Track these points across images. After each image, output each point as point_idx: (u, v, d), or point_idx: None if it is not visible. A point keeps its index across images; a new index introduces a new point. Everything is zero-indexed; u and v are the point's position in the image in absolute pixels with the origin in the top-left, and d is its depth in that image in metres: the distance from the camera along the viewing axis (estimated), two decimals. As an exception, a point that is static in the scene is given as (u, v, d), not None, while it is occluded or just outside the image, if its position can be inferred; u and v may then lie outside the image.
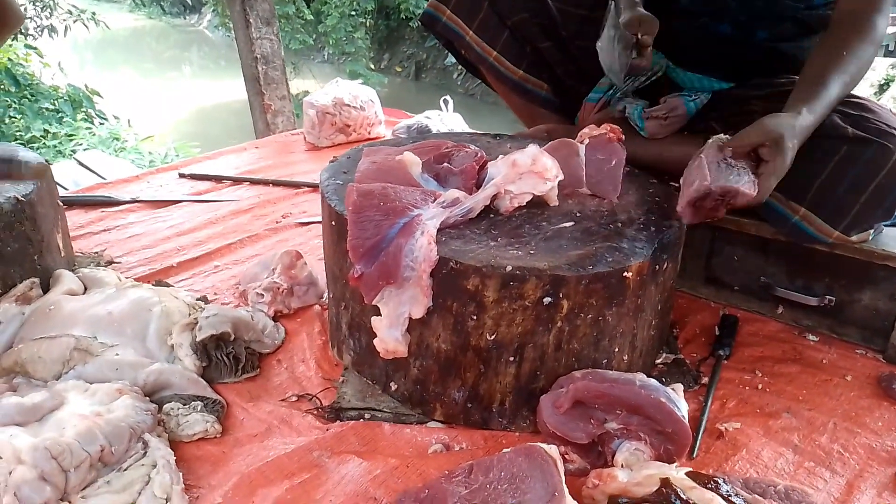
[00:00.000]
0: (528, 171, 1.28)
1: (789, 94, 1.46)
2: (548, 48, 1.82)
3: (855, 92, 1.43)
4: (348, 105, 2.88)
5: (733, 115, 1.54)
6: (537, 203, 1.32)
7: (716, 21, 1.60)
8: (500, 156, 1.32)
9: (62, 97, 5.82)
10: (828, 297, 1.52)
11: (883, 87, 8.92)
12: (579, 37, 1.79)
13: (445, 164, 1.34)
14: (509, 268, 1.11)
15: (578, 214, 1.32)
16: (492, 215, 1.29)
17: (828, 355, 1.50)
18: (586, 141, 1.43)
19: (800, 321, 1.59)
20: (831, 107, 1.32)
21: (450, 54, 2.00)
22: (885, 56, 10.00)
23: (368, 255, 1.15)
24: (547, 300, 1.13)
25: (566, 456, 1.15)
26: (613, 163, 1.40)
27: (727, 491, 1.02)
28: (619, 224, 1.29)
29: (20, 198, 1.48)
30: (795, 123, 1.25)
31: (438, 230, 1.18)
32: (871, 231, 1.42)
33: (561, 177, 1.31)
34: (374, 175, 1.31)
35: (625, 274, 1.16)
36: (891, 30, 10.37)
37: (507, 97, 1.99)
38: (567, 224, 1.27)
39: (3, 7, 1.77)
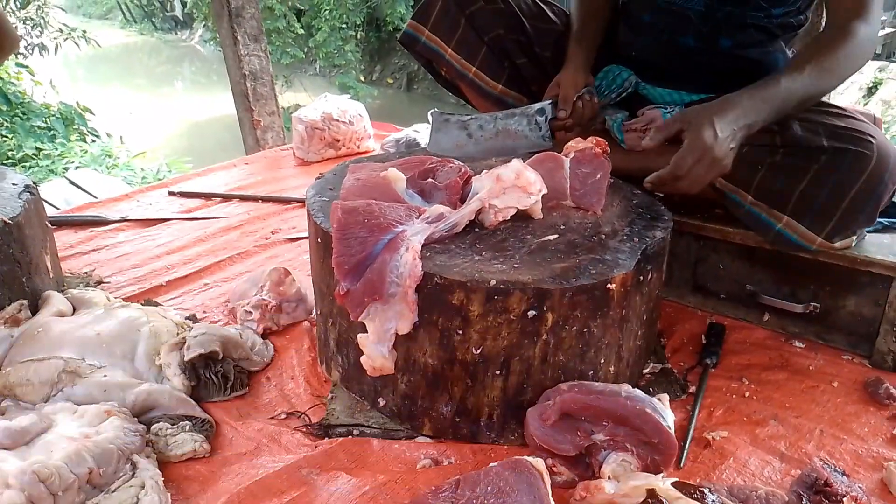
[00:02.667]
0: (512, 186, 1.29)
1: None
2: (524, 64, 1.84)
3: (844, 96, 1.45)
4: (337, 120, 2.89)
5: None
6: (522, 217, 1.33)
7: (679, 34, 1.64)
8: (485, 170, 1.33)
9: (54, 115, 5.83)
10: (813, 303, 1.53)
11: (871, 90, 8.97)
12: (553, 54, 1.82)
13: (430, 180, 1.35)
14: (493, 282, 1.12)
15: (563, 227, 1.32)
16: (476, 229, 1.30)
17: (814, 361, 1.51)
18: (571, 154, 1.44)
19: (786, 328, 1.60)
20: (787, 98, 1.36)
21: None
22: (872, 59, 10.07)
23: (354, 271, 1.15)
24: (532, 313, 1.14)
25: (554, 468, 1.15)
26: (598, 176, 1.41)
27: (713, 500, 1.02)
28: (603, 236, 1.30)
29: (7, 220, 1.48)
30: (716, 106, 1.34)
31: (423, 245, 1.19)
32: (854, 237, 1.44)
33: (544, 191, 1.32)
34: (359, 192, 1.32)
35: (608, 285, 1.17)
36: (879, 33, 10.46)
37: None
38: (551, 237, 1.28)
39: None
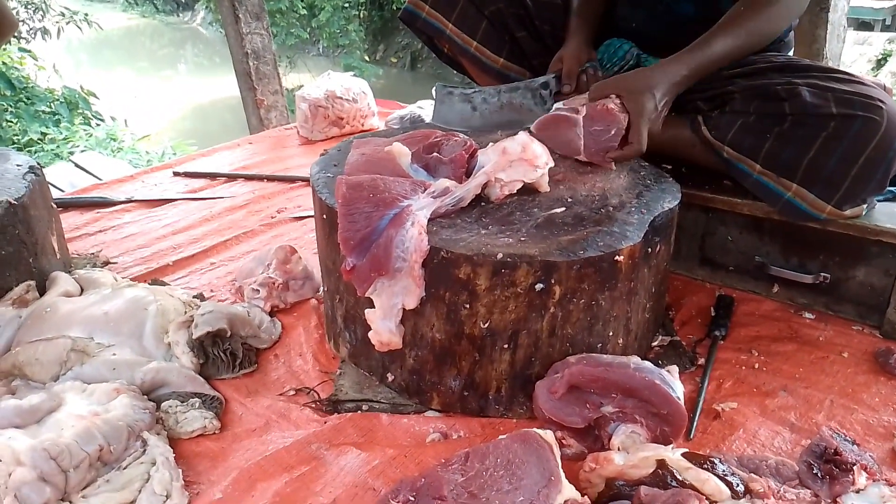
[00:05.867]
0: (519, 159, 1.28)
1: (765, 70, 1.48)
2: (524, 38, 1.83)
3: (853, 69, 1.45)
4: (340, 98, 2.87)
5: (716, 94, 1.54)
6: (528, 190, 1.32)
7: (677, 2, 1.62)
8: (490, 144, 1.32)
9: (58, 99, 5.80)
10: (822, 274, 1.52)
11: (880, 62, 8.88)
12: (553, 27, 1.81)
13: (435, 154, 1.34)
14: (500, 255, 1.11)
15: (570, 200, 1.31)
16: (483, 203, 1.29)
17: (824, 332, 1.50)
18: (584, 111, 1.43)
19: (795, 299, 1.59)
20: (717, 60, 1.46)
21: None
22: (881, 31, 9.96)
23: (359, 247, 1.15)
24: (539, 286, 1.13)
25: (563, 441, 1.15)
26: (612, 132, 1.41)
27: (723, 471, 1.02)
28: (611, 208, 1.28)
29: (12, 201, 1.48)
30: (653, 77, 1.42)
31: (429, 220, 1.18)
32: (865, 206, 1.42)
33: (551, 163, 1.30)
34: (364, 167, 1.31)
35: (616, 258, 1.16)
36: (888, 4, 10.32)
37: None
38: (558, 210, 1.27)
39: None
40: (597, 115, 1.42)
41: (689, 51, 1.45)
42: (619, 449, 1.10)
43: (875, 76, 8.46)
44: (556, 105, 1.53)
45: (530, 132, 1.38)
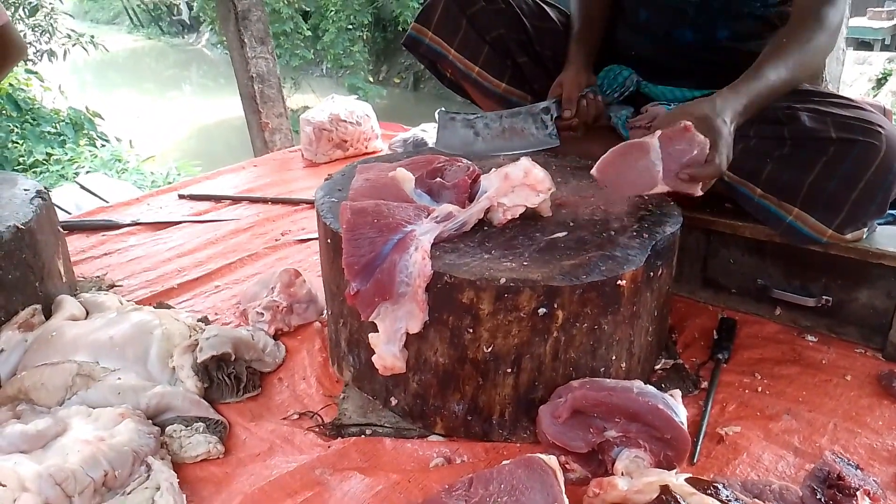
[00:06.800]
0: (521, 184, 1.29)
1: None
2: (525, 63, 1.86)
3: (853, 87, 1.46)
4: (344, 121, 2.90)
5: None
6: (531, 215, 1.33)
7: (677, 29, 1.65)
8: (493, 169, 1.34)
9: (64, 120, 5.86)
10: (825, 297, 1.52)
11: (881, 82, 8.92)
12: (554, 52, 1.83)
13: (438, 179, 1.35)
14: (503, 280, 1.12)
15: (572, 224, 1.32)
16: (485, 228, 1.30)
17: (827, 355, 1.50)
18: (657, 133, 1.32)
19: (798, 322, 1.59)
20: (772, 90, 1.40)
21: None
22: (881, 50, 10.01)
23: (363, 272, 1.16)
24: (542, 311, 1.14)
25: (566, 465, 1.15)
26: (695, 151, 1.29)
27: (727, 496, 1.02)
28: (613, 232, 1.29)
29: (20, 226, 1.50)
30: (717, 103, 1.34)
31: (432, 245, 1.19)
32: (866, 229, 1.43)
33: (553, 188, 1.31)
34: (368, 192, 1.32)
35: (619, 282, 1.17)
36: (887, 24, 10.39)
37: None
38: (560, 234, 1.28)
39: (5, 40, 1.80)
40: (675, 134, 1.29)
41: (743, 80, 1.39)
42: (622, 474, 1.10)
43: (875, 95, 8.50)
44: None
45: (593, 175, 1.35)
